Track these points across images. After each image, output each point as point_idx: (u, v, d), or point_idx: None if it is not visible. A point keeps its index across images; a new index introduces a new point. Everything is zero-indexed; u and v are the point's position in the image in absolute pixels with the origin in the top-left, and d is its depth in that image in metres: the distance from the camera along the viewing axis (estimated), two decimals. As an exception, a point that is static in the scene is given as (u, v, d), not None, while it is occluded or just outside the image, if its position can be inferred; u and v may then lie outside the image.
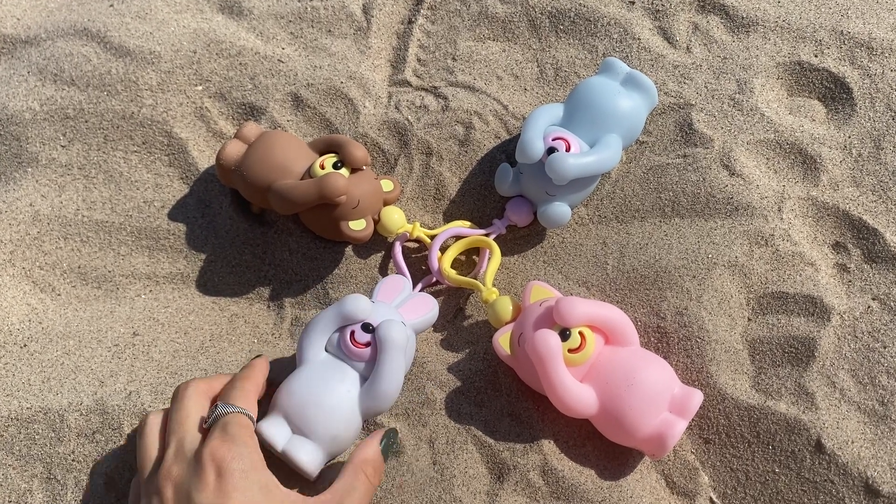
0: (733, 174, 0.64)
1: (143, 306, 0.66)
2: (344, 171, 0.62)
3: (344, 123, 0.70)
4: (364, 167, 0.64)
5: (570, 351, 0.54)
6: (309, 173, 0.62)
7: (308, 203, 0.61)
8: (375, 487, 0.52)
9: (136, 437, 0.52)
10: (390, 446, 0.55)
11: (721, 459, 0.57)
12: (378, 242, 0.67)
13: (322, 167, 0.62)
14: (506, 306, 0.59)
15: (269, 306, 0.67)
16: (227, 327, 0.65)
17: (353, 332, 0.56)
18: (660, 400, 0.54)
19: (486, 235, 0.66)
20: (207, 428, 0.50)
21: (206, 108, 0.72)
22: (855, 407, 0.56)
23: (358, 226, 0.63)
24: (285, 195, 0.61)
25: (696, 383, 0.58)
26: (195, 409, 0.51)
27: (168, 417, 0.51)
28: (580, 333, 0.54)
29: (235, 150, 0.64)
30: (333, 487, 0.50)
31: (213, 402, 0.53)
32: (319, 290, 0.66)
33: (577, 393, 0.53)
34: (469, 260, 0.67)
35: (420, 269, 0.67)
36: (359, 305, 0.56)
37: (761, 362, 0.58)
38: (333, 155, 0.63)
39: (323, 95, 0.71)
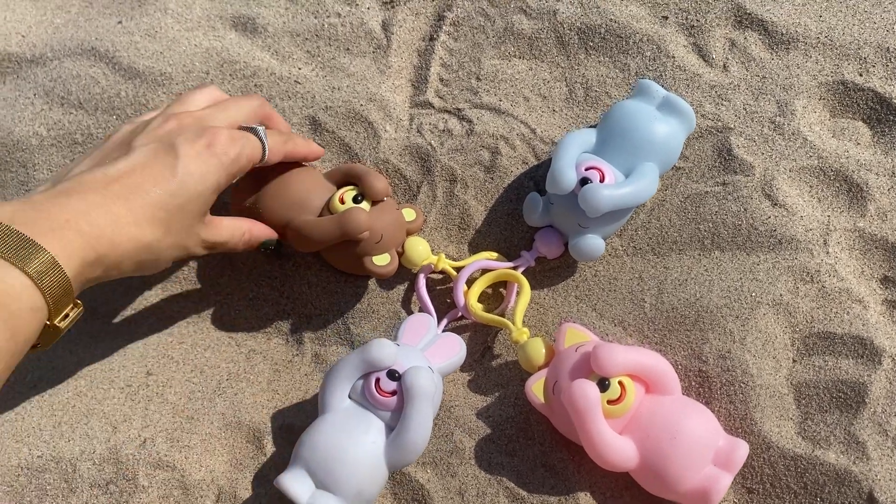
0: (776, 204, 0.61)
1: (156, 342, 0.64)
2: (364, 205, 0.59)
3: (364, 148, 0.67)
4: (385, 198, 0.61)
5: (609, 402, 0.51)
6: (328, 208, 0.59)
7: (330, 241, 0.58)
8: (238, 248, 0.57)
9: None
10: (268, 246, 0.60)
11: (766, 511, 0.54)
12: (401, 275, 0.64)
13: (342, 202, 0.59)
14: (538, 350, 0.56)
15: (287, 341, 0.64)
16: (245, 365, 0.63)
17: (378, 380, 0.53)
18: (704, 453, 0.51)
19: (514, 268, 0.63)
20: (238, 129, 0.55)
21: (219, 131, 0.68)
22: (909, 457, 0.53)
23: (382, 261, 0.60)
24: (306, 234, 0.58)
25: (740, 430, 0.55)
26: (248, 115, 0.57)
27: (227, 97, 0.58)
28: (620, 383, 0.52)
29: (250, 184, 0.61)
30: (223, 221, 0.56)
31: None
32: (340, 325, 0.63)
33: (617, 447, 0.51)
34: (496, 292, 0.64)
35: (444, 301, 0.64)
36: (384, 352, 0.53)
37: (808, 408, 0.55)
38: (353, 188, 0.60)
39: (342, 119, 0.68)
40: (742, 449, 0.51)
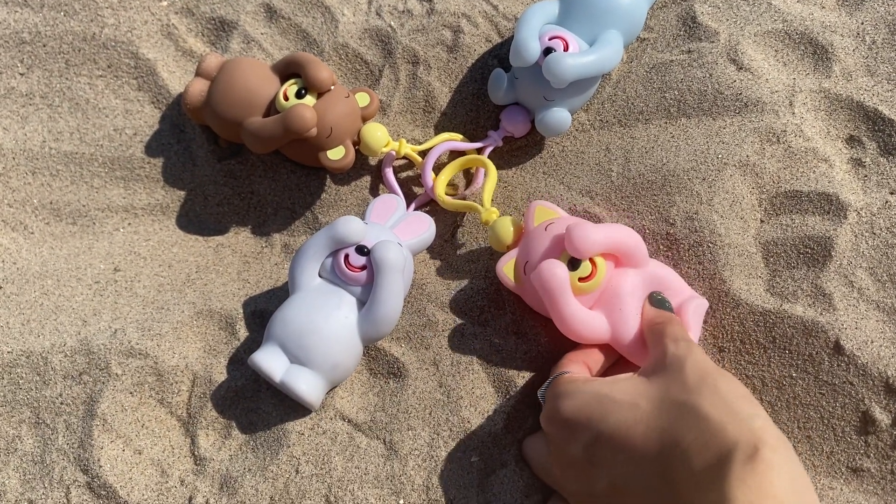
0: (741, 68, 0.60)
1: (122, 240, 0.63)
2: (309, 98, 0.57)
3: (322, 34, 0.65)
4: (332, 87, 0.59)
5: (580, 280, 0.51)
6: (274, 106, 0.58)
7: (279, 141, 0.57)
8: None
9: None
10: None
11: (736, 367, 0.55)
12: (367, 162, 0.63)
13: (286, 98, 0.57)
14: (507, 228, 0.56)
15: (255, 234, 0.63)
16: (213, 258, 0.62)
17: (347, 256, 0.53)
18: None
19: (482, 148, 0.62)
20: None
21: (172, 24, 0.66)
22: (874, 306, 0.54)
23: (336, 154, 0.58)
24: (254, 136, 0.57)
25: (709, 290, 0.56)
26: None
27: None
28: (590, 260, 0.51)
29: (198, 89, 0.60)
30: None
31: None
32: (308, 216, 0.63)
33: (587, 322, 0.50)
34: (465, 174, 0.63)
35: (411, 188, 0.63)
36: (351, 227, 0.52)
37: (776, 265, 0.56)
38: (295, 81, 0.58)
39: (298, 4, 0.65)
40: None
